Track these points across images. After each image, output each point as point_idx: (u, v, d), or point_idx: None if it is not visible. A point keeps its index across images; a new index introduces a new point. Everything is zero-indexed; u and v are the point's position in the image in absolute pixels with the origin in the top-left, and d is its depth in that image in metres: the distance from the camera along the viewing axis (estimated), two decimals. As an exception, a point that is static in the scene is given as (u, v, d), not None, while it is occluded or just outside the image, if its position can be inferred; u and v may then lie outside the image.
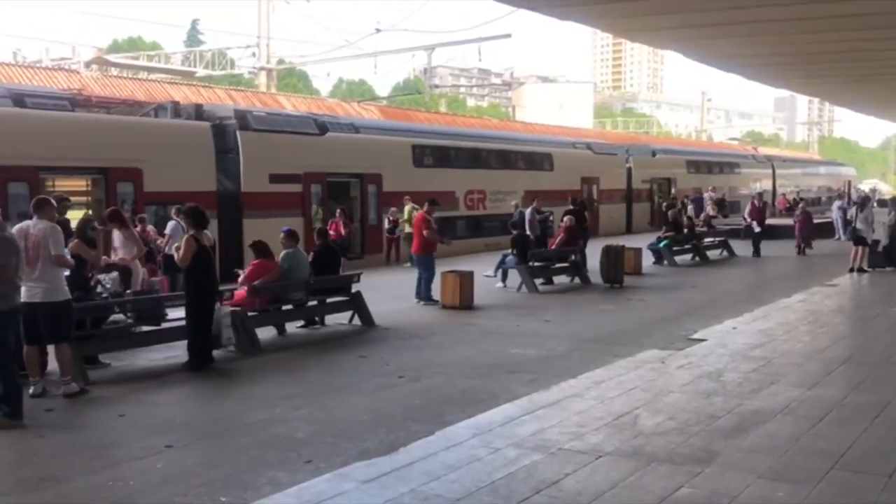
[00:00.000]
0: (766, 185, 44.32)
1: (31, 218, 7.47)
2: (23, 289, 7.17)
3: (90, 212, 14.61)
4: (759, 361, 8.45)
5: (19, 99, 14.81)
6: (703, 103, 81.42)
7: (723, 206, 32.02)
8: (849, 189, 44.15)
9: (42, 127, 14.47)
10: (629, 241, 18.46)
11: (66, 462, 5.71)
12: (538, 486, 4.93)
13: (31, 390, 7.33)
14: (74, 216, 11.87)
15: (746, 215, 22.72)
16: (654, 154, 35.42)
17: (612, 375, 7.81)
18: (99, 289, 8.95)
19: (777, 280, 16.85)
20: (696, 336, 10.01)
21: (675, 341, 9.75)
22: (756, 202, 22.68)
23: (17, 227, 7.41)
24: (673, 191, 33.79)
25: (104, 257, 9.47)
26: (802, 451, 5.61)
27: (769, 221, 24.61)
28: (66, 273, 7.65)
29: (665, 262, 19.33)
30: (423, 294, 13.15)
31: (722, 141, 74.51)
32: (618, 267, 15.51)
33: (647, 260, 18.54)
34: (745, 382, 7.53)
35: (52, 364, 7.79)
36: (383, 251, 20.27)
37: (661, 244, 19.69)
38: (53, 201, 7.93)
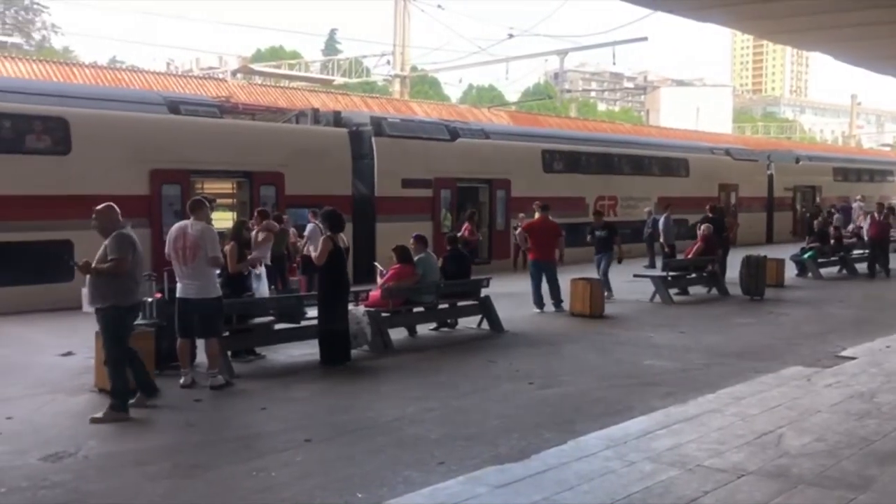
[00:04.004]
0: (925, 194, 41.29)
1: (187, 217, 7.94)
2: (178, 285, 7.64)
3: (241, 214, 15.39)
4: (918, 383, 7.86)
5: (174, 106, 15.78)
6: (852, 107, 76.97)
7: None
8: None
9: (194, 132, 15.37)
10: (770, 252, 17.64)
11: (213, 451, 6.03)
12: (676, 502, 4.77)
13: (181, 381, 7.79)
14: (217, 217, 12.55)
15: (866, 229, 20.17)
16: (797, 160, 33.72)
17: (753, 391, 7.47)
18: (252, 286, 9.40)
19: (936, 296, 15.65)
20: (844, 353, 9.44)
21: (821, 358, 9.23)
22: (877, 215, 19.73)
23: (176, 225, 7.90)
24: (818, 199, 32.06)
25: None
26: (970, 483, 5.17)
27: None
28: (218, 272, 8.07)
29: (809, 274, 18.34)
30: (557, 300, 13.04)
31: (872, 147, 70.02)
32: (759, 278, 14.86)
33: (790, 272, 17.65)
34: (902, 405, 7.02)
35: (199, 357, 8.27)
36: (511, 257, 20.27)
37: (806, 255, 18.70)
38: (208, 203, 8.38)
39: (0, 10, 61.41)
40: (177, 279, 7.75)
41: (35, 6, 62.29)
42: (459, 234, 17.32)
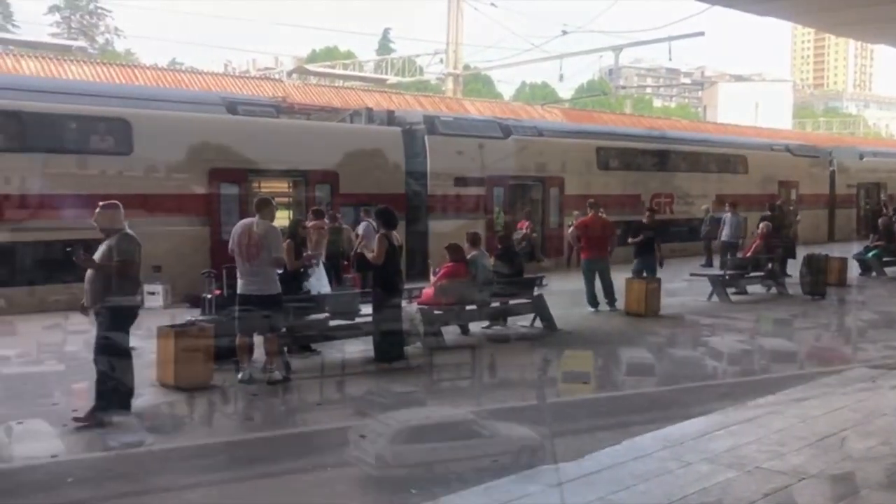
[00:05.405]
0: None
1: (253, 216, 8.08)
2: (240, 282, 7.79)
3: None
4: None
5: (232, 107, 16.06)
6: (919, 101, 74.26)
7: None
8: None
9: (251, 132, 15.61)
10: (832, 250, 17.18)
11: (271, 444, 6.15)
12: (734, 505, 4.69)
13: (239, 376, 7.93)
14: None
15: None
16: (861, 157, 32.75)
17: (815, 393, 7.29)
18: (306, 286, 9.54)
19: None
20: (911, 355, 9.16)
21: (887, 359, 8.95)
22: None
23: (241, 223, 8.07)
24: (883, 196, 31.07)
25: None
26: None
27: None
28: (280, 271, 8.21)
29: (873, 273, 17.80)
30: (611, 298, 12.91)
31: (941, 142, 67.55)
32: (820, 277, 14.48)
33: (853, 271, 17.15)
34: (974, 409, 6.77)
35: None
36: (564, 255, 20.13)
37: (870, 254, 18.15)
38: (274, 203, 8.51)
39: (66, 15, 63.37)
40: (238, 276, 7.89)
41: (99, 11, 64.15)
42: (523, 232, 17.42)
